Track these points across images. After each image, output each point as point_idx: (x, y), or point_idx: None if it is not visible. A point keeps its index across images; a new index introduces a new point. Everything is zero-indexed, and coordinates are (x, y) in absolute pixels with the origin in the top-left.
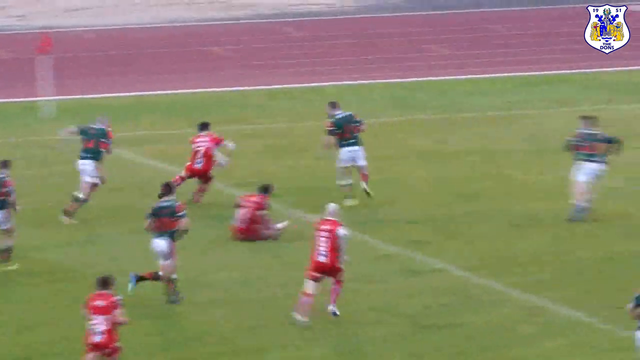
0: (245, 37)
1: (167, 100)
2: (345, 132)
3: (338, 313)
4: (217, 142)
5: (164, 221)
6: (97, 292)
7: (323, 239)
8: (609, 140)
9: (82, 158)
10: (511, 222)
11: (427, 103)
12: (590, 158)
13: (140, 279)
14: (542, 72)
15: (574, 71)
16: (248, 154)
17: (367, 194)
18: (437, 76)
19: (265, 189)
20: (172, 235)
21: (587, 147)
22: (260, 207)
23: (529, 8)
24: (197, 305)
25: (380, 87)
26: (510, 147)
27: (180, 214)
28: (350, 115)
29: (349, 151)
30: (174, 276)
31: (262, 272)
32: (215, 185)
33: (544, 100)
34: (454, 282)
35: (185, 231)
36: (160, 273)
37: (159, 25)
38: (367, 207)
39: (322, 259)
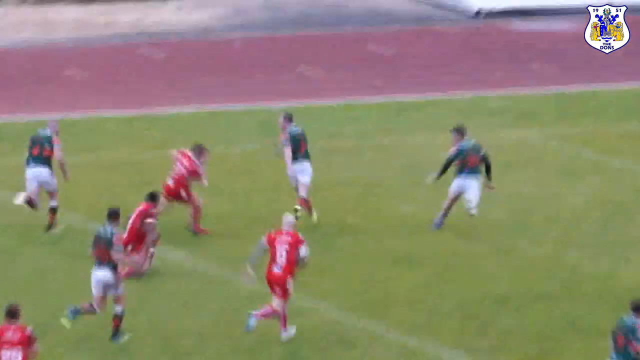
0: (98, 59)
1: (15, 128)
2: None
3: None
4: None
5: (103, 251)
6: (5, 324)
7: (282, 251)
8: (482, 156)
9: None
10: (389, 258)
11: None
12: (473, 172)
13: (77, 312)
14: (423, 96)
15: (455, 96)
16: (105, 186)
17: (296, 210)
18: (311, 101)
19: (152, 197)
20: (114, 264)
21: (469, 160)
22: (146, 215)
23: (410, 27)
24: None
25: (248, 113)
26: (388, 177)
27: (116, 246)
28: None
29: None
30: (119, 309)
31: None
32: (67, 216)
33: (423, 127)
34: (328, 322)
35: (125, 263)
36: (117, 307)
37: (7, 47)
38: (233, 241)
39: (276, 270)
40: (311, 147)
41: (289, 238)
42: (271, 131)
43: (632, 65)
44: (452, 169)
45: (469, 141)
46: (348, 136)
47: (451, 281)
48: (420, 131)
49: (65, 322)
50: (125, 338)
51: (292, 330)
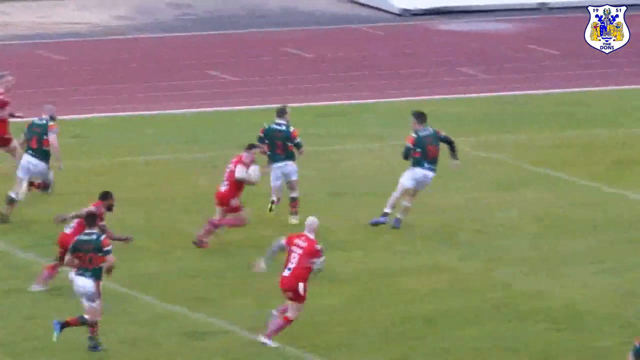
0: None
1: None
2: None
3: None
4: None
5: (86, 257)
6: None
7: (294, 254)
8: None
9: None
10: (342, 278)
11: (213, 137)
12: (433, 164)
13: (64, 325)
14: (345, 101)
15: (379, 101)
16: None
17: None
18: (223, 106)
19: (104, 196)
20: (96, 273)
21: (429, 150)
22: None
23: (331, 28)
24: None
25: (154, 119)
26: (307, 188)
27: (105, 249)
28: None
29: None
30: (87, 318)
31: None
32: None
33: (345, 134)
34: (243, 345)
35: (110, 269)
36: (87, 316)
37: None
38: (138, 259)
39: (286, 273)
40: (224, 155)
41: (305, 244)
42: (174, 139)
43: (569, 68)
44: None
45: (427, 129)
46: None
47: (375, 300)
48: (342, 138)
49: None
50: (100, 348)
51: (273, 345)
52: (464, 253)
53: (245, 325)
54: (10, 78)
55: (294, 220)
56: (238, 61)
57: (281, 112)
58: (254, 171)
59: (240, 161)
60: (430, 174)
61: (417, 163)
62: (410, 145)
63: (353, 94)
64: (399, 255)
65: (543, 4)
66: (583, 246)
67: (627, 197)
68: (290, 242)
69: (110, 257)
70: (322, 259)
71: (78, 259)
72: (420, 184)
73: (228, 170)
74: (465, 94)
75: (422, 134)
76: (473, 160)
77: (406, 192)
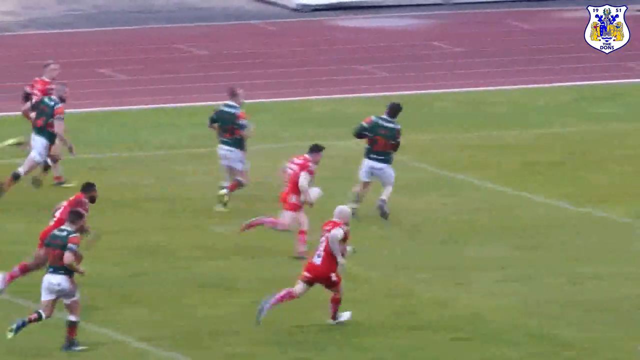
0: None
1: None
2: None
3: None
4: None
5: (56, 253)
6: None
7: (322, 239)
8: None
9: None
10: (201, 283)
11: (107, 139)
12: (377, 154)
13: (23, 324)
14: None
15: (274, 100)
16: None
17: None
18: (113, 105)
19: (86, 188)
20: (67, 269)
21: (378, 140)
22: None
23: (224, 24)
24: None
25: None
26: (200, 192)
27: (68, 245)
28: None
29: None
30: (74, 318)
31: None
32: None
33: None
34: (132, 356)
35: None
36: (71, 316)
37: None
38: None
39: (316, 260)
40: (114, 157)
41: (329, 227)
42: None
43: (473, 66)
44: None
45: (391, 122)
46: (155, 146)
47: (272, 310)
48: None
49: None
50: (79, 349)
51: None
52: (366, 259)
53: (137, 335)
54: (54, 67)
55: (219, 208)
56: (128, 59)
57: (233, 93)
58: (314, 193)
59: (306, 167)
60: (377, 164)
61: (366, 153)
62: (364, 124)
63: (247, 93)
64: (297, 262)
65: None
66: (488, 253)
67: (533, 200)
68: (322, 230)
69: (67, 254)
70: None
71: (49, 255)
72: (373, 177)
73: (290, 171)
74: (365, 92)
75: (382, 122)
76: None
77: (365, 185)
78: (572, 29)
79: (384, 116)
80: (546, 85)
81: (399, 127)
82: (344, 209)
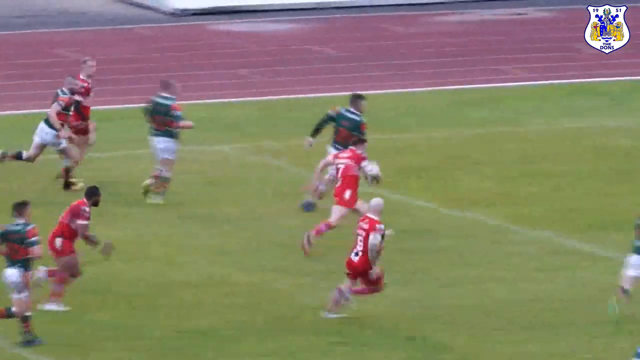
0: None
1: None
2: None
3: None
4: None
5: (14, 247)
6: None
7: (359, 237)
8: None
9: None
10: (82, 288)
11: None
12: (337, 144)
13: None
14: (114, 106)
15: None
16: None
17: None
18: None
19: (90, 193)
20: (24, 264)
21: (340, 131)
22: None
23: (104, 28)
24: None
25: None
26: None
27: (30, 240)
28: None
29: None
30: (29, 313)
31: None
32: None
33: (115, 139)
34: None
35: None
36: (14, 309)
37: None
38: None
39: (354, 257)
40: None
41: (367, 226)
42: None
43: (349, 70)
44: None
45: (356, 115)
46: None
47: (149, 314)
48: (112, 144)
49: None
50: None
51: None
52: (245, 265)
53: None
54: (91, 63)
55: (155, 199)
56: (3, 64)
57: (166, 85)
58: (372, 165)
59: (357, 157)
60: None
61: (333, 140)
62: (332, 112)
63: (121, 98)
64: (173, 266)
65: (320, 3)
66: None
67: (409, 204)
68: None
69: (35, 249)
70: (375, 234)
71: (7, 249)
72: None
73: (341, 167)
74: (240, 97)
75: (347, 113)
76: (250, 167)
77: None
78: (449, 32)
79: (349, 108)
80: (422, 89)
81: (361, 119)
82: (379, 201)
